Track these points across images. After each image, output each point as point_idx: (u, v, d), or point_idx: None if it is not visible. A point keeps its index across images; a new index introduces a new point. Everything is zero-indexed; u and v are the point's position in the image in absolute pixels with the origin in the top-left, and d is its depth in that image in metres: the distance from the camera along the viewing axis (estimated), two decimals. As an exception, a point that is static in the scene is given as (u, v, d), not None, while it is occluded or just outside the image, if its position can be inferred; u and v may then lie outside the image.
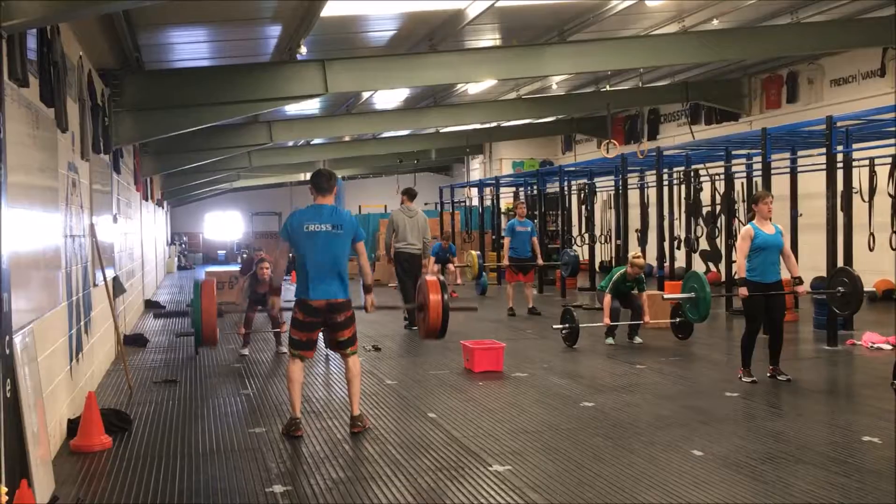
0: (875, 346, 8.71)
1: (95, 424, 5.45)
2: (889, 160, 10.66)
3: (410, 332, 10.69)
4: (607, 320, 9.25)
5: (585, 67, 11.97)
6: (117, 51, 8.95)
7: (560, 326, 9.32)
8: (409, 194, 11.33)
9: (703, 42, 11.40)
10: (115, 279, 8.95)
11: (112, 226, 9.42)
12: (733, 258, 12.90)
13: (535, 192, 18.78)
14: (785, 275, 7.29)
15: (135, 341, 10.29)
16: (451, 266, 12.68)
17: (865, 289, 13.27)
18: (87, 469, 5.02)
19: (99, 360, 7.88)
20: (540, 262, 12.47)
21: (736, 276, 7.09)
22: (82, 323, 6.76)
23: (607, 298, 9.30)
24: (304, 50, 9.54)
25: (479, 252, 12.52)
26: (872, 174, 10.96)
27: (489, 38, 12.11)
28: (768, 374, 7.17)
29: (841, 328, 9.39)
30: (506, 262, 12.38)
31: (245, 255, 13.47)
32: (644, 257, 9.75)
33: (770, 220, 7.13)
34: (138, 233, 14.05)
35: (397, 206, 11.54)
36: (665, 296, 7.19)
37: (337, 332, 5.74)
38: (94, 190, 7.79)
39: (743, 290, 7.03)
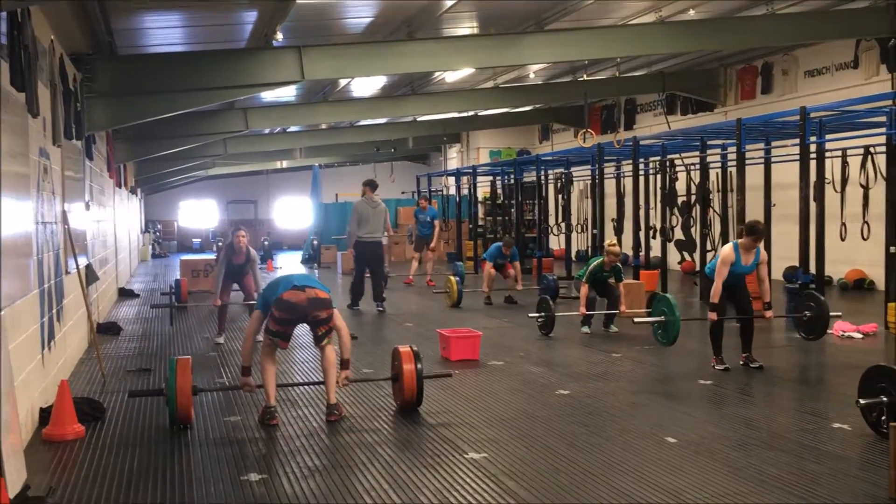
0: (846, 334, 8.83)
1: (68, 413, 5.40)
2: (861, 151, 10.78)
3: (352, 311, 11.74)
4: (583, 310, 9.30)
5: (563, 57, 11.98)
6: (90, 35, 8.82)
7: (536, 315, 9.36)
8: (371, 185, 11.85)
9: (679, 32, 11.46)
10: (88, 267, 8.86)
11: (84, 213, 9.31)
12: (707, 247, 13.03)
13: (512, 181, 18.80)
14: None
15: (108, 329, 10.20)
16: (511, 270, 12.33)
17: (836, 278, 13.49)
18: (60, 458, 4.97)
19: (72, 348, 7.80)
20: (519, 286, 12.43)
21: (711, 300, 7.15)
22: (54, 311, 6.69)
23: (584, 289, 9.35)
24: (280, 36, 9.45)
25: (459, 278, 12.49)
26: (845, 165, 11.09)
27: (467, 27, 12.07)
28: (741, 362, 7.26)
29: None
30: (486, 287, 12.39)
31: (220, 244, 13.35)
32: (620, 246, 9.80)
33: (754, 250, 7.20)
34: (111, 220, 13.90)
35: (377, 194, 11.89)
36: (636, 319, 7.23)
37: (318, 328, 5.72)
38: (66, 176, 7.68)
39: (712, 315, 7.11)
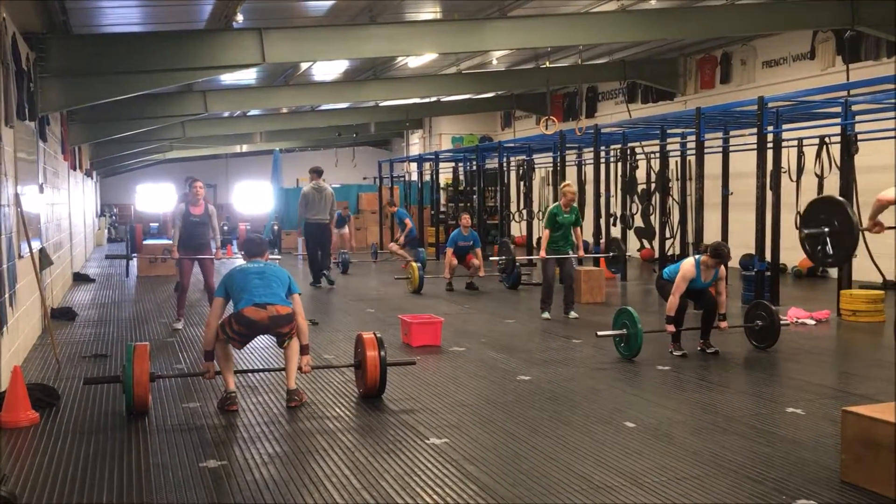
0: (799, 321, 9.01)
1: (21, 399, 5.29)
2: (816, 141, 10.97)
3: (315, 288, 12.78)
4: (543, 253, 9.43)
5: (525, 43, 11.99)
6: (43, 13, 8.61)
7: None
8: (317, 172, 12.89)
9: (640, 21, 11.53)
10: (42, 251, 8.67)
11: (38, 196, 9.10)
12: (666, 235, 13.19)
13: (474, 167, 18.81)
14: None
15: (63, 315, 10.00)
16: (474, 261, 12.36)
17: (791, 265, 13.75)
18: (14, 445, 4.88)
19: (25, 334, 7.64)
20: (481, 273, 12.48)
21: (667, 313, 7.25)
22: (6, 296, 6.53)
23: (546, 233, 9.48)
24: (240, 18, 9.32)
25: (420, 264, 12.52)
26: (800, 154, 11.28)
27: (429, 11, 12.02)
28: (698, 348, 7.38)
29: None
30: (447, 274, 12.38)
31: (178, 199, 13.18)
32: (581, 230, 9.87)
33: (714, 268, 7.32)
34: (66, 203, 13.61)
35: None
36: (598, 333, 7.29)
37: (279, 336, 5.72)
38: (18, 158, 7.50)
39: (670, 328, 7.23)
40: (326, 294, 11.94)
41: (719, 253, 7.18)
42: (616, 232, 14.13)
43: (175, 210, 9.10)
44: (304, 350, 5.81)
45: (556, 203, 9.58)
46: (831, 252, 4.87)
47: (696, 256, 7.39)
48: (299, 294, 5.88)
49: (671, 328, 7.22)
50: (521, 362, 7.14)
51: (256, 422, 5.32)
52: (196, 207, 8.87)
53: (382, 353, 5.76)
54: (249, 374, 6.64)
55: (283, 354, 5.86)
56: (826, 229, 4.97)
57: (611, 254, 9.63)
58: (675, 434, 4.93)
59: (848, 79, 11.95)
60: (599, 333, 7.35)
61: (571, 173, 15.82)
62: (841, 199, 5.03)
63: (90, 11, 9.95)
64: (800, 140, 11.24)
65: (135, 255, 13.57)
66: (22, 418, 5.25)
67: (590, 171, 14.93)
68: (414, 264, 12.41)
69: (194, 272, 9.23)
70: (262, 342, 8.28)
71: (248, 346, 7.89)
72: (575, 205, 9.58)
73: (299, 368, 5.76)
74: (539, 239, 10.04)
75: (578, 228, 9.64)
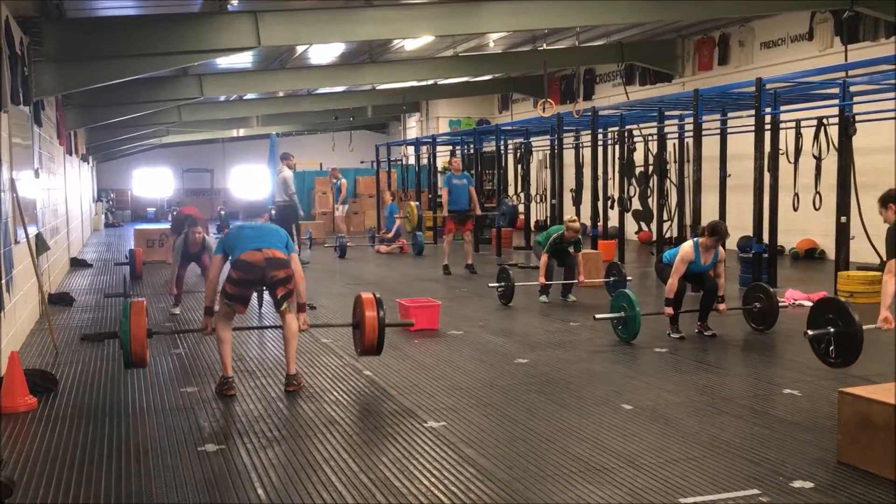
0: (797, 302, 9.03)
1: (19, 385, 5.29)
2: (814, 122, 10.94)
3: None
4: (542, 279, 9.36)
5: (522, 25, 11.93)
6: (37, -3, 8.54)
7: (496, 285, 9.40)
8: (286, 157, 13.46)
9: (638, 2, 11.45)
10: (38, 236, 8.64)
11: (34, 181, 9.07)
12: (664, 218, 13.18)
13: (472, 150, 18.76)
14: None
15: (60, 300, 9.99)
16: (467, 247, 12.63)
17: (789, 248, 13.76)
18: (12, 430, 4.88)
19: (22, 319, 7.64)
20: (477, 211, 12.55)
21: (666, 296, 7.24)
22: (3, 281, 6.52)
23: (544, 258, 9.40)
24: (235, 1, 9.25)
25: (418, 203, 12.51)
26: (798, 136, 11.25)
27: (426, -7, 11.93)
28: (696, 330, 7.39)
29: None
30: (445, 213, 12.41)
31: (175, 213, 13.18)
32: (578, 217, 9.86)
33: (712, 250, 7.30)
34: (62, 188, 13.57)
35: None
36: (596, 316, 7.28)
37: (276, 289, 5.64)
38: (13, 143, 7.46)
39: (668, 310, 7.21)
40: (324, 279, 11.93)
41: (717, 230, 7.17)
42: (613, 215, 14.12)
43: (176, 245, 9.25)
44: (301, 308, 5.82)
45: (560, 233, 9.43)
46: (834, 354, 4.97)
47: (695, 239, 7.39)
48: (297, 254, 5.86)
49: (669, 311, 7.22)
50: (518, 345, 7.14)
51: (255, 406, 5.33)
52: (194, 246, 8.97)
53: (381, 312, 5.78)
54: (248, 359, 6.64)
55: (282, 336, 5.85)
56: (832, 329, 5.04)
57: (611, 278, 9.60)
58: (673, 416, 4.95)
59: (846, 60, 11.91)
60: (597, 316, 7.36)
61: (569, 156, 15.80)
62: (844, 301, 5.11)
63: (84, -5, 9.88)
64: (797, 122, 11.21)
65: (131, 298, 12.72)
66: (20, 404, 5.25)
67: (587, 153, 14.90)
68: (412, 203, 12.42)
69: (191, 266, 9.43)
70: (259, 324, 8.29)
71: (247, 330, 7.92)
72: (578, 236, 9.48)
73: (298, 328, 5.76)
74: (538, 230, 10.00)
75: (579, 253, 9.57)
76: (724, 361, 6.53)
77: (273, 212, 12.59)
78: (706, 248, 7.24)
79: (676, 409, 5.10)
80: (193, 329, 6.08)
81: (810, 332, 5.17)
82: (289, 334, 5.72)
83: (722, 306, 7.43)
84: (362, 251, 16.79)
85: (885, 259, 5.27)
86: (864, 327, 4.99)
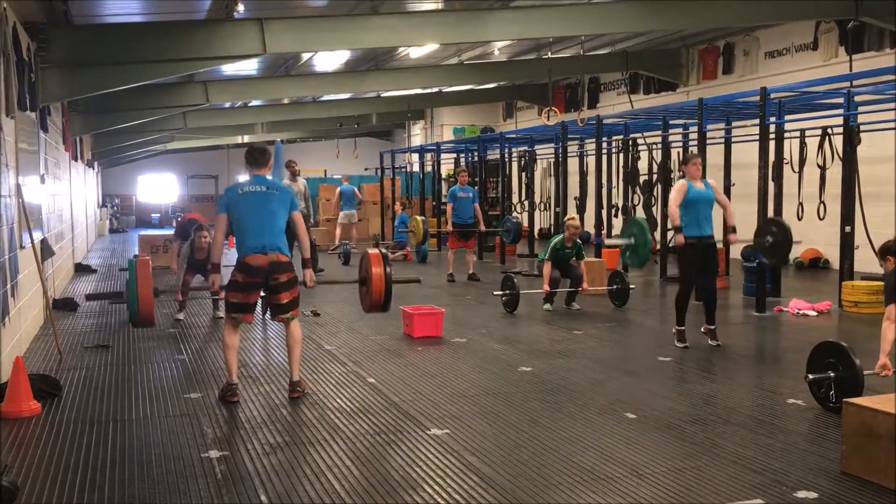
0: (801, 312, 9.02)
1: (23, 390, 5.30)
2: (819, 132, 10.94)
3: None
4: (546, 287, 9.36)
5: (527, 34, 11.95)
6: (44, 4, 8.58)
7: (500, 293, 9.40)
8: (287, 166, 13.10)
9: (642, 11, 11.48)
10: (44, 241, 8.67)
11: (39, 186, 9.10)
12: (669, 227, 13.16)
13: (476, 158, 18.79)
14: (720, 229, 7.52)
15: (65, 305, 10.02)
16: (468, 256, 12.50)
17: (793, 257, 13.72)
18: (16, 435, 4.89)
19: (27, 324, 7.65)
20: (482, 227, 12.53)
21: (673, 225, 7.21)
22: (8, 286, 6.54)
23: (547, 266, 9.40)
24: (241, 8, 9.30)
25: (423, 217, 12.54)
26: (803, 145, 11.24)
27: (431, 1, 11.98)
28: (702, 330, 7.35)
29: (769, 295, 9.67)
30: (449, 227, 12.40)
31: (179, 219, 13.21)
32: (582, 225, 9.86)
33: (698, 178, 7.29)
34: (67, 194, 13.61)
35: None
36: (606, 242, 7.20)
37: (278, 295, 5.62)
38: (19, 149, 7.49)
39: (679, 238, 7.14)
40: (329, 287, 11.91)
41: (689, 157, 7.39)
42: (617, 223, 14.10)
43: (182, 253, 9.23)
44: (305, 263, 5.83)
45: (560, 237, 9.50)
46: (834, 398, 4.99)
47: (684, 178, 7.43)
48: (298, 211, 5.83)
49: (680, 238, 7.11)
50: (522, 353, 7.14)
51: (258, 412, 5.33)
52: (200, 253, 8.96)
53: (388, 269, 5.79)
54: (251, 365, 6.65)
55: (285, 343, 5.86)
56: (832, 374, 5.05)
57: (614, 286, 9.60)
58: (676, 425, 4.94)
59: (851, 69, 11.91)
60: (607, 242, 7.28)
61: (573, 164, 15.80)
62: (845, 344, 5.12)
63: (91, 2, 9.93)
64: (802, 131, 11.20)
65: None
66: (24, 409, 5.26)
67: (591, 162, 14.89)
68: (417, 217, 12.43)
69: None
70: (263, 331, 8.30)
71: (250, 334, 7.93)
72: (578, 239, 9.52)
73: (303, 283, 5.76)
74: (541, 265, 10.00)
75: (581, 262, 9.58)
76: (728, 371, 6.52)
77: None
78: (693, 177, 7.21)
79: (680, 418, 5.10)
80: (202, 287, 6.05)
81: (810, 377, 5.18)
82: (292, 341, 5.72)
83: (733, 236, 7.49)
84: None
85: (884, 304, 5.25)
86: (865, 373, 4.98)
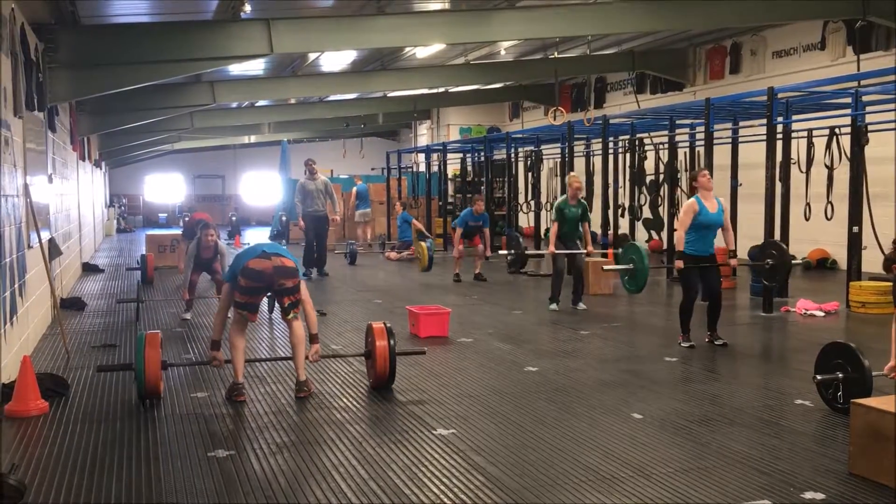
0: (808, 312, 8.99)
1: (31, 389, 5.32)
2: (826, 132, 10.90)
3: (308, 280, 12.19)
4: (552, 248, 9.31)
5: (534, 34, 11.94)
6: (52, 4, 8.61)
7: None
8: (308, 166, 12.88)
9: (649, 11, 11.46)
10: (51, 241, 8.70)
11: (47, 186, 9.13)
12: (674, 227, 13.14)
13: (483, 158, 18.78)
14: (721, 244, 7.49)
15: (72, 305, 10.05)
16: (480, 246, 12.21)
17: (800, 258, 13.69)
18: (23, 434, 4.91)
19: (34, 323, 7.68)
20: (488, 253, 12.46)
21: (676, 249, 7.22)
22: (16, 285, 6.57)
23: (554, 227, 9.37)
24: (248, 8, 9.31)
25: (430, 244, 12.69)
26: (810, 145, 11.20)
27: (438, 2, 11.98)
28: (706, 339, 7.35)
29: (776, 295, 9.64)
30: (456, 253, 12.36)
31: (187, 219, 13.23)
32: (589, 224, 9.85)
33: (711, 191, 7.26)
34: (75, 194, 13.66)
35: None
36: (604, 266, 7.26)
37: (283, 297, 5.68)
38: (27, 149, 7.52)
39: (679, 263, 7.18)
40: (334, 285, 11.96)
41: (696, 172, 7.36)
42: (624, 223, 14.10)
43: (189, 251, 9.27)
44: (313, 339, 5.83)
45: (563, 196, 9.55)
46: (842, 399, 4.97)
47: (694, 196, 7.37)
48: (304, 280, 5.92)
49: (679, 264, 7.14)
50: (528, 353, 7.14)
51: (264, 412, 5.34)
52: (206, 251, 9.00)
53: (392, 342, 5.77)
54: (257, 364, 6.66)
55: (290, 343, 5.86)
56: (840, 375, 5.03)
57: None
58: (682, 425, 4.93)
59: (858, 69, 11.86)
60: (605, 268, 7.33)
61: (580, 164, 15.78)
62: (853, 345, 5.10)
63: (99, 2, 9.96)
64: (809, 131, 11.16)
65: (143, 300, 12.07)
66: (31, 408, 5.28)
67: (598, 161, 14.87)
68: (423, 244, 12.47)
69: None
70: (269, 332, 8.31)
71: (255, 336, 7.94)
72: (582, 198, 9.52)
73: (307, 358, 5.77)
74: (548, 230, 10.01)
75: (587, 223, 9.58)
76: (734, 371, 6.50)
77: (284, 218, 12.53)
78: (704, 193, 7.20)
79: (686, 418, 5.09)
80: (202, 362, 6.15)
81: (818, 378, 5.16)
82: (295, 340, 5.73)
83: (734, 261, 7.53)
84: (373, 258, 16.82)
85: (893, 306, 5.19)
86: (874, 374, 4.96)
